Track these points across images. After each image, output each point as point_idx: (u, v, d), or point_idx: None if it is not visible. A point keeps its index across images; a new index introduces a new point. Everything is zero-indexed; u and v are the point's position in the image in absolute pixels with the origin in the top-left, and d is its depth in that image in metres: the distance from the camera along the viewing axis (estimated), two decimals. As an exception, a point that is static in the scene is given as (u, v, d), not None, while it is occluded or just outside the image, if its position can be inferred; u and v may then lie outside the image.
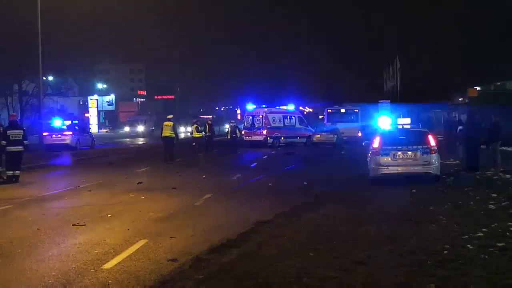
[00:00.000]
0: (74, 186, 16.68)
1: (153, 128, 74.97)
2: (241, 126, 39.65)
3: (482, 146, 18.71)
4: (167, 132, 26.32)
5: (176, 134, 27.37)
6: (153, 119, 78.94)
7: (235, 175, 19.25)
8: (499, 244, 8.23)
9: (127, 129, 72.91)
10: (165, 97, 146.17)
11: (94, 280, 7.12)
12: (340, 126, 39.65)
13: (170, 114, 28.06)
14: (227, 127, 52.63)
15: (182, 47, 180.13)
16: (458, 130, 18.96)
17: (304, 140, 39.71)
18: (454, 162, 20.15)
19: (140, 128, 69.88)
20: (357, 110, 45.00)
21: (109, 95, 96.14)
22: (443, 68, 69.46)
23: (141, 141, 51.06)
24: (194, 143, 32.92)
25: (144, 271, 7.49)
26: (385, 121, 19.77)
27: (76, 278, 7.22)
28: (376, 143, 16.01)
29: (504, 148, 20.07)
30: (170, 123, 26.67)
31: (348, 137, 39.35)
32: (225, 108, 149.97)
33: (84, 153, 31.75)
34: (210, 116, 61.07)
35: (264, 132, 37.82)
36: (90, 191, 15.59)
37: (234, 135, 35.69)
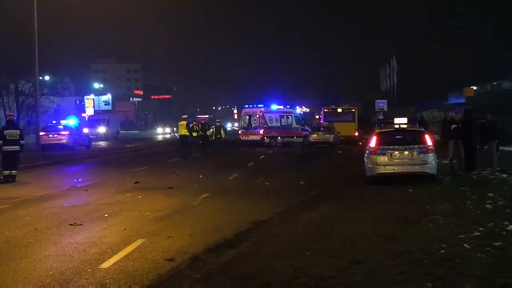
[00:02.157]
0: (71, 186, 16.67)
1: (119, 129, 66.15)
2: (226, 126, 39.08)
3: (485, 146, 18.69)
4: (182, 131, 29.36)
5: (190, 132, 29.77)
6: (118, 118, 68.86)
7: (232, 175, 19.26)
8: (496, 244, 8.24)
9: (85, 130, 56.37)
10: (162, 96, 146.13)
11: (91, 280, 7.11)
12: (337, 125, 39.75)
13: (185, 114, 32.05)
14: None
15: (179, 47, 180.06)
16: (452, 128, 18.95)
17: (301, 139, 39.74)
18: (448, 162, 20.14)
19: (102, 130, 57.97)
20: (354, 110, 45.05)
21: (106, 94, 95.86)
22: (440, 67, 69.57)
23: (102, 144, 45.41)
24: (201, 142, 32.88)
25: (141, 270, 7.48)
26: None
27: (74, 277, 7.22)
28: (373, 142, 16.01)
29: (503, 147, 20.03)
30: (184, 122, 29.73)
31: (344, 137, 39.43)
32: (222, 107, 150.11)
33: (80, 153, 31.70)
34: (207, 116, 60.80)
35: (261, 131, 37.85)
36: (87, 190, 15.58)
37: (218, 136, 33.36)
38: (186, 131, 29.42)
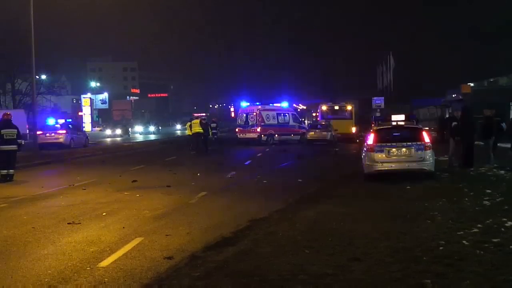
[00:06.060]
0: (69, 185, 16.64)
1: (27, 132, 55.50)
2: (212, 126, 35.76)
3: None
4: (196, 129, 31.21)
5: (206, 130, 31.60)
6: (23, 116, 53.77)
7: (229, 173, 19.25)
8: (494, 240, 8.25)
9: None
10: (159, 95, 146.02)
11: (90, 278, 7.10)
12: (334, 123, 39.81)
13: (201, 113, 32.58)
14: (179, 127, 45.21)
15: (176, 45, 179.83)
16: (452, 125, 18.97)
17: (298, 137, 39.76)
18: (447, 159, 20.18)
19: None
20: (351, 107, 45.08)
21: (103, 93, 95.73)
22: (437, 64, 69.56)
23: None
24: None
25: (140, 269, 7.48)
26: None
27: (72, 276, 7.21)
28: (370, 139, 16.02)
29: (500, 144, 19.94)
30: (198, 121, 31.81)
31: (342, 134, 39.49)
32: (219, 105, 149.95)
33: (78, 152, 31.67)
34: (204, 114, 60.54)
35: (258, 129, 37.84)
36: (84, 189, 15.55)
37: (206, 134, 31.88)
38: (200, 128, 30.96)
